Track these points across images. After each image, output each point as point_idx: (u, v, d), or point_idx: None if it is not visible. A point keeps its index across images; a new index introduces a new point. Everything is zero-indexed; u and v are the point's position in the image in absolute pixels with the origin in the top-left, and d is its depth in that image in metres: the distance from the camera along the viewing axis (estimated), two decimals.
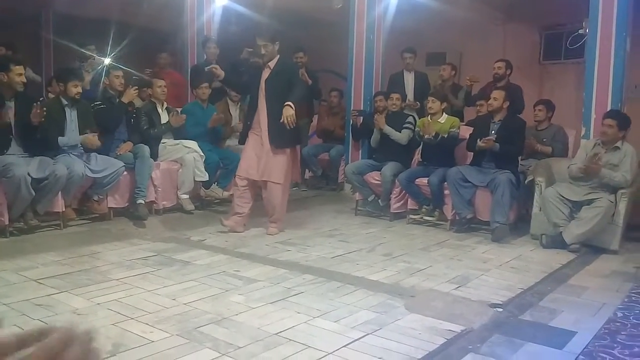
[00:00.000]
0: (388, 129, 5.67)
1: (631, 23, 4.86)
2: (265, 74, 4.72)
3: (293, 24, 7.80)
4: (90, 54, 6.31)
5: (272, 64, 4.70)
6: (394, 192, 5.51)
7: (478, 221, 5.08)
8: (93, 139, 4.73)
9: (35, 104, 4.28)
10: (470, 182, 4.95)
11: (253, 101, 4.84)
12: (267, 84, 4.68)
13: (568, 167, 4.69)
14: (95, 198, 4.82)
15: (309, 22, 8.38)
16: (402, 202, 5.52)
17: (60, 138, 4.63)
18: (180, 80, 7.26)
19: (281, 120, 4.41)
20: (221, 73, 4.77)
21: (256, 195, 4.94)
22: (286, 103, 4.46)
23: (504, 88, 5.21)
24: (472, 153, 5.22)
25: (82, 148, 4.81)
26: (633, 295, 3.34)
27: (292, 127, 4.44)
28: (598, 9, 4.88)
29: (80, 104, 4.83)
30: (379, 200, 5.64)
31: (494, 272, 3.81)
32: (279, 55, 4.73)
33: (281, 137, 4.60)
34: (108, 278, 3.41)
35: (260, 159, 4.69)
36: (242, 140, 4.90)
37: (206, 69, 5.06)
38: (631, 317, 2.93)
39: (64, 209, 4.56)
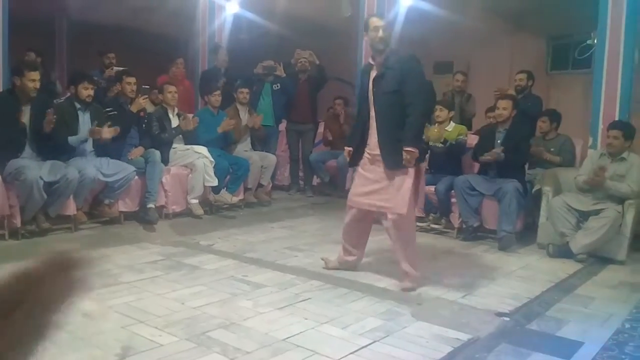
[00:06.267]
0: None
1: None
2: (374, 72, 3.60)
3: (302, 33, 7.86)
4: (110, 62, 6.32)
5: (381, 58, 3.54)
6: None
7: (485, 230, 5.08)
8: (99, 129, 4.68)
9: (48, 111, 4.33)
10: (477, 190, 4.96)
11: (364, 111, 3.71)
12: (375, 85, 3.56)
13: (575, 178, 4.70)
14: (107, 202, 4.86)
15: (318, 31, 8.44)
16: None
17: (69, 138, 4.65)
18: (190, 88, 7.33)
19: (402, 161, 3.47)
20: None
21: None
22: (404, 148, 3.41)
23: (511, 97, 5.22)
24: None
25: (93, 150, 4.86)
26: None
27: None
28: (607, 19, 4.91)
29: (94, 107, 4.89)
30: None
31: (501, 281, 3.82)
32: (389, 48, 3.56)
33: (397, 156, 3.47)
34: (118, 281, 3.45)
35: (375, 184, 3.62)
36: (354, 161, 3.84)
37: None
38: (639, 329, 2.93)
39: (75, 212, 4.61)
